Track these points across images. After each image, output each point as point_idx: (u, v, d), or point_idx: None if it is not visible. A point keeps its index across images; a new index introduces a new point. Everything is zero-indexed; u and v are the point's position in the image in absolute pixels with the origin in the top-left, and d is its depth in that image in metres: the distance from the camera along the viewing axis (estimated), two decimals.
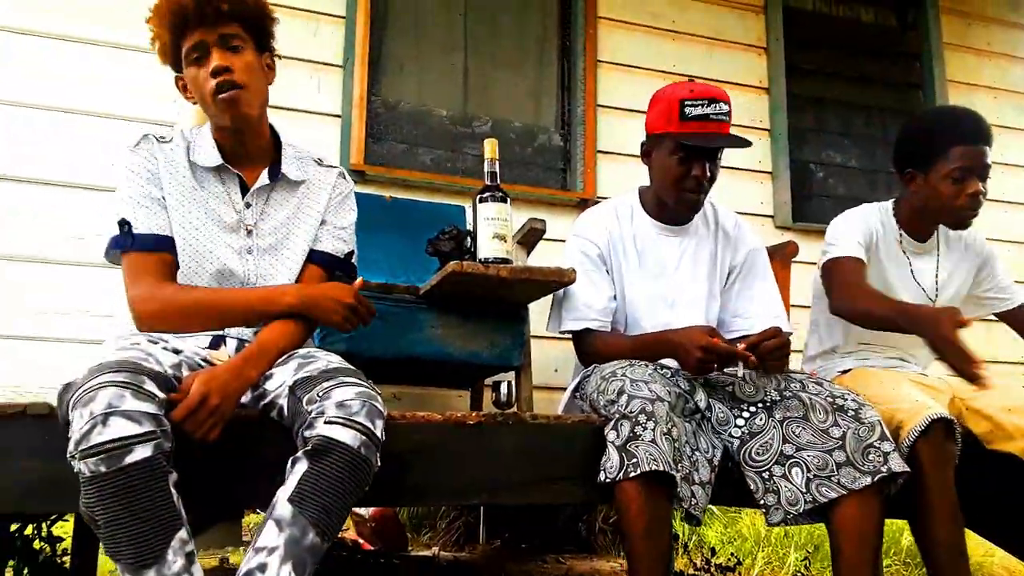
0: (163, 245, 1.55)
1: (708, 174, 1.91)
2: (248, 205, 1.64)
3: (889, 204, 2.23)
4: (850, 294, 2.03)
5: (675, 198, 1.97)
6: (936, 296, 2.18)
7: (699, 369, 1.75)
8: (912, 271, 2.17)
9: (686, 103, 1.87)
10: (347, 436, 1.28)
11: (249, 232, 1.63)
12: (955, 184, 2.02)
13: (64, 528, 2.31)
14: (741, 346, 1.72)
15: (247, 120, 1.60)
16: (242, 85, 1.55)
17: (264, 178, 1.65)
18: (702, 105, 1.86)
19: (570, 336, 2.06)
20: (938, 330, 1.77)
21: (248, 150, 1.65)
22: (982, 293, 2.26)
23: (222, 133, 1.63)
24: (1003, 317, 2.28)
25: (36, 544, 2.20)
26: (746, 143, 1.88)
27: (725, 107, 1.89)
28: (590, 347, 2.00)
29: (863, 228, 2.14)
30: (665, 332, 1.87)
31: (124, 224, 1.55)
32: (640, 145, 2.07)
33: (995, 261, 2.25)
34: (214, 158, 1.61)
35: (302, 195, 1.70)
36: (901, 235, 2.18)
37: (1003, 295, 2.25)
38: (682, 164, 1.91)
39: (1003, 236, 4.07)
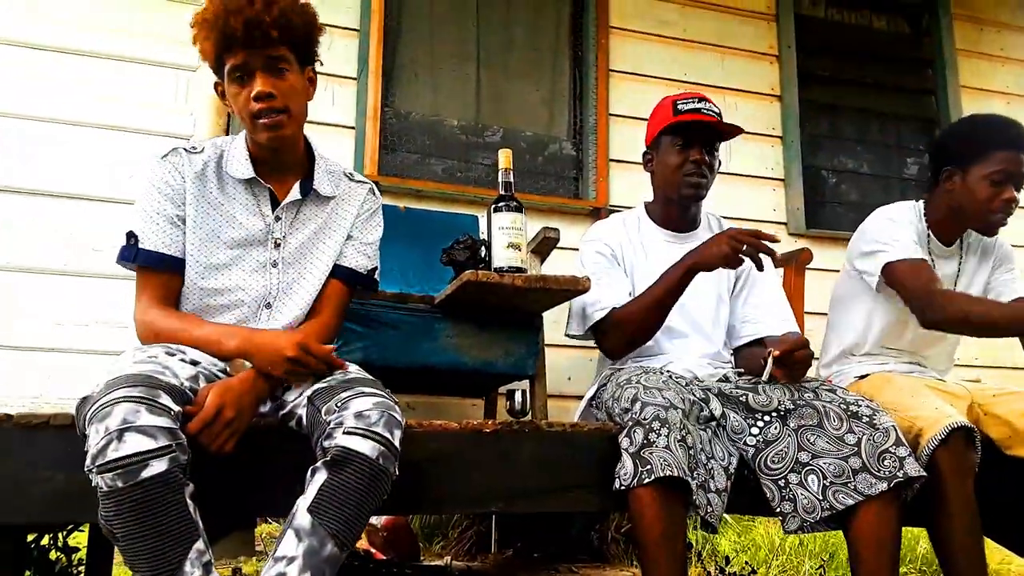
0: (165, 264, 1.55)
1: (707, 159, 2.01)
2: (278, 219, 1.63)
3: (920, 204, 2.21)
4: (940, 301, 1.97)
5: (678, 186, 2.04)
6: None
7: (731, 252, 1.78)
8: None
9: (678, 102, 2.03)
10: (365, 447, 1.28)
11: (277, 245, 1.63)
12: (992, 187, 2.01)
13: (79, 539, 2.33)
14: (775, 353, 1.75)
15: (285, 141, 1.59)
16: (284, 110, 1.54)
17: (295, 192, 1.64)
18: (693, 101, 2.02)
19: (581, 341, 2.08)
20: None
21: (283, 162, 1.65)
22: (986, 290, 2.22)
23: (258, 148, 1.62)
24: None
25: (52, 555, 2.21)
26: (738, 130, 2.00)
27: (715, 107, 2.02)
28: (613, 319, 1.97)
29: (913, 228, 2.11)
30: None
31: (131, 236, 1.55)
32: (642, 156, 2.16)
33: (1010, 262, 2.23)
34: (247, 171, 1.60)
35: (331, 210, 1.70)
36: (929, 236, 2.16)
37: (1001, 289, 2.20)
38: (682, 151, 2.02)
39: (1020, 241, 4.04)
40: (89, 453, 1.18)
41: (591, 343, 2.10)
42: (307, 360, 1.46)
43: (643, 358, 2.02)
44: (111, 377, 1.25)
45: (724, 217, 2.27)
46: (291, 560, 1.24)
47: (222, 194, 1.61)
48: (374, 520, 3.07)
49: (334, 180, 1.72)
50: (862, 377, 2.15)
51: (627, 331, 1.94)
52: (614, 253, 2.08)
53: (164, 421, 1.21)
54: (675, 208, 2.11)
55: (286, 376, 1.47)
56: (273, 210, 1.63)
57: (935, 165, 2.16)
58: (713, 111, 2.00)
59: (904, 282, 2.03)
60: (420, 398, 2.89)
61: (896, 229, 2.09)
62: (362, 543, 3.20)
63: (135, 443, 1.17)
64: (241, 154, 1.62)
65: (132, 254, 1.54)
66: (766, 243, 1.77)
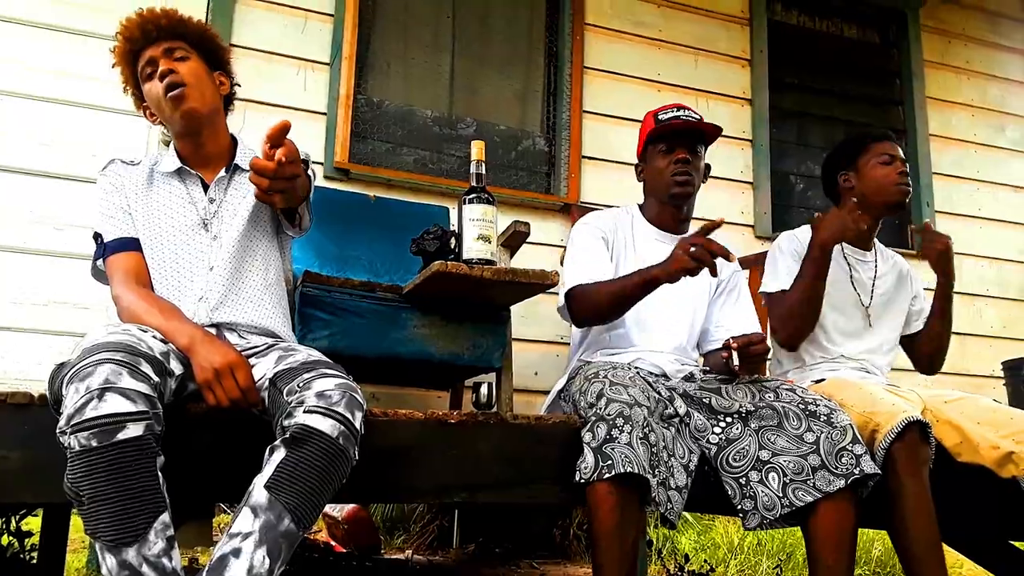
0: (130, 246, 1.65)
1: (690, 158, 2.08)
2: (212, 200, 1.71)
3: None
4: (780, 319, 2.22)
5: (668, 185, 2.09)
6: (871, 299, 2.30)
7: (684, 256, 1.77)
8: (852, 277, 2.30)
9: (659, 113, 2.11)
10: (326, 425, 1.28)
11: (205, 225, 1.69)
12: (884, 166, 2.24)
13: (32, 524, 2.28)
14: (734, 344, 1.81)
15: (196, 116, 1.67)
16: (186, 83, 1.64)
17: (222, 172, 1.73)
18: (672, 111, 2.10)
19: (549, 337, 2.09)
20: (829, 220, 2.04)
21: (207, 153, 1.74)
22: (910, 316, 2.39)
23: (180, 139, 1.73)
24: (908, 339, 2.40)
25: (4, 539, 2.17)
26: (718, 130, 2.10)
27: (695, 114, 2.10)
28: (581, 293, 1.98)
29: (795, 254, 2.26)
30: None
31: (98, 237, 1.67)
32: (635, 168, 2.23)
33: (920, 292, 2.40)
34: (175, 163, 1.71)
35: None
36: (842, 244, 2.30)
37: (921, 318, 2.39)
38: (666, 155, 2.09)
39: (979, 252, 4.13)
40: (65, 412, 1.19)
41: (559, 339, 2.10)
42: (223, 381, 1.40)
43: (613, 352, 2.03)
44: (88, 344, 1.26)
45: (694, 219, 2.29)
46: (246, 535, 1.22)
47: (157, 190, 1.71)
48: (335, 513, 3.05)
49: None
50: (818, 382, 2.20)
51: (589, 299, 1.95)
52: (604, 237, 2.11)
53: (144, 387, 1.23)
54: (668, 209, 2.15)
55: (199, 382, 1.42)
56: (206, 194, 1.72)
57: (830, 182, 2.39)
58: (692, 117, 2.08)
59: (771, 312, 2.28)
60: (385, 389, 2.87)
61: (772, 266, 2.29)
62: (323, 536, 3.18)
63: (115, 404, 1.18)
64: (171, 154, 1.75)
65: (102, 251, 1.65)
66: (715, 243, 1.78)
